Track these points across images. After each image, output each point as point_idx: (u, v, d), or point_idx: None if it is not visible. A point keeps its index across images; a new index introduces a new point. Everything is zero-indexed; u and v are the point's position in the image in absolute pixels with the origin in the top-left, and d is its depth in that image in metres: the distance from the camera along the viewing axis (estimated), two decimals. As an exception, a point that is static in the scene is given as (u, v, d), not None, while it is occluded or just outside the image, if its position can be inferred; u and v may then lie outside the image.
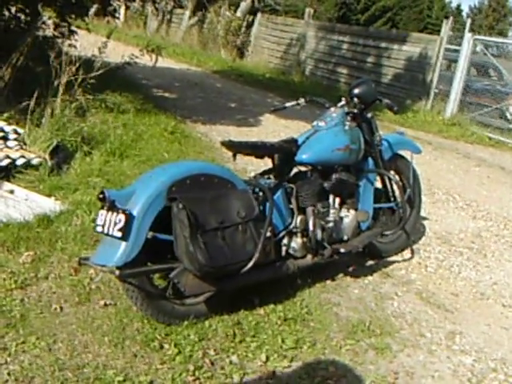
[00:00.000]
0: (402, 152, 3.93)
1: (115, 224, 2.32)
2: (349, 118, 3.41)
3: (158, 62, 6.85)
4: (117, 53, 7.08)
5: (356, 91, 3.51)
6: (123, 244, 2.35)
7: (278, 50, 15.84)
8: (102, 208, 2.40)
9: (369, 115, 3.59)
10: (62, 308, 2.70)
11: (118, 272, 2.33)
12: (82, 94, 5.09)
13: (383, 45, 12.77)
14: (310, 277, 3.27)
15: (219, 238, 2.50)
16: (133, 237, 2.34)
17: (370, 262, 3.75)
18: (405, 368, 2.65)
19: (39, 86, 4.83)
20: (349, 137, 3.31)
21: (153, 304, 2.55)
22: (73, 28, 7.86)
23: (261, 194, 2.88)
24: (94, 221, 3.55)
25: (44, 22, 6.38)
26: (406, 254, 4.01)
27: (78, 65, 5.02)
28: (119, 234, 2.32)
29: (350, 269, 3.58)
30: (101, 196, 2.35)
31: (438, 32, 11.89)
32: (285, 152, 3.01)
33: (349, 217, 3.35)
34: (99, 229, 2.40)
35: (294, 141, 3.08)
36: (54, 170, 4.25)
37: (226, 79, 12.93)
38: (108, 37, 6.72)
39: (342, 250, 3.16)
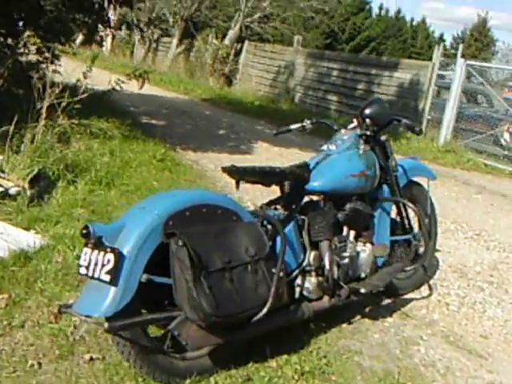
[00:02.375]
0: (416, 179, 3.60)
1: (103, 265, 1.93)
2: (361, 141, 3.08)
3: (144, 90, 6.53)
4: (103, 80, 6.75)
5: (368, 112, 3.18)
6: (112, 290, 1.95)
7: (266, 77, 15.65)
8: (86, 245, 2.01)
9: (382, 138, 3.26)
10: (39, 364, 2.27)
11: (106, 325, 1.93)
12: (65, 119, 4.71)
13: (374, 71, 12.61)
14: (324, 320, 2.88)
15: (226, 281, 2.11)
16: (124, 281, 1.95)
17: (387, 301, 3.38)
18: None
19: (20, 111, 4.45)
20: (364, 161, 2.97)
21: (148, 359, 2.13)
22: (56, 53, 7.55)
23: (269, 227, 2.51)
24: (78, 257, 3.18)
25: (26, 45, 6.03)
26: (424, 290, 3.64)
27: (60, 87, 4.67)
28: (107, 278, 1.92)
29: (367, 309, 3.21)
30: (84, 231, 1.96)
31: (424, 60, 11.79)
32: (297, 179, 2.65)
33: (365, 251, 2.99)
34: (83, 270, 2.01)
35: (307, 165, 2.71)
36: (34, 199, 3.85)
37: (214, 107, 12.65)
38: (93, 61, 6.40)
39: (363, 291, 2.78)
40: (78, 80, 5.67)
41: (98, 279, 1.94)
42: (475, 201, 6.78)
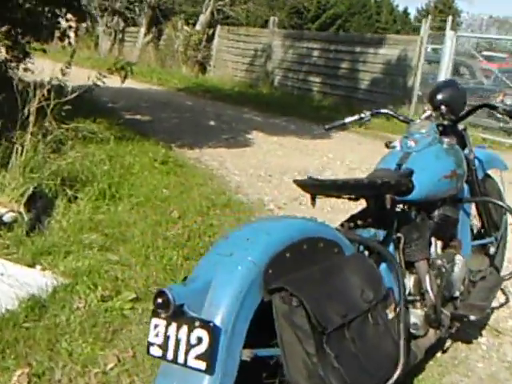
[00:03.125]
0: (490, 171, 3.08)
1: (190, 346, 1.35)
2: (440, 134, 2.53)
3: (117, 84, 5.83)
4: (76, 76, 6.02)
5: (441, 97, 2.62)
6: (207, 380, 1.37)
7: (242, 62, 15.02)
8: (157, 315, 1.42)
9: (460, 127, 2.71)
10: None
11: None
12: (54, 124, 4.06)
13: (358, 49, 12.10)
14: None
15: (349, 343, 1.54)
16: (222, 365, 1.36)
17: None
18: None
19: (2, 119, 3.78)
20: (453, 158, 2.42)
21: None
22: (27, 50, 6.83)
23: (366, 253, 1.96)
24: (102, 299, 2.59)
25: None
26: (499, 297, 3.14)
27: (47, 88, 4.01)
28: (202, 366, 1.33)
29: (453, 330, 2.69)
30: (160, 300, 1.36)
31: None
32: (400, 191, 2.08)
33: (458, 265, 2.45)
34: (156, 351, 1.41)
35: (410, 173, 2.13)
36: (35, 226, 3.21)
37: (193, 96, 11.99)
38: (71, 56, 5.71)
39: (473, 318, 2.25)
40: (57, 78, 4.97)
41: (185, 365, 1.36)
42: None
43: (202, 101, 11.33)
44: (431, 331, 2.18)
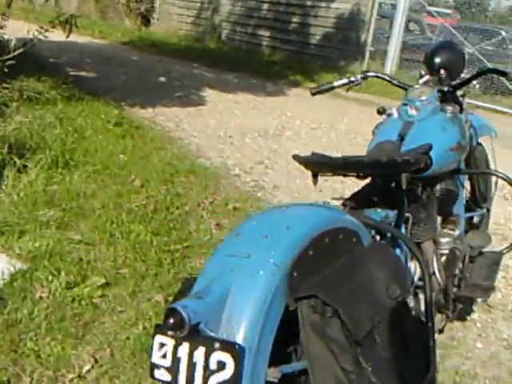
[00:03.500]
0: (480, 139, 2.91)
1: (210, 371, 1.11)
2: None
3: (57, 37, 5.34)
4: (9, 29, 5.46)
5: (440, 60, 2.38)
6: (229, 408, 1.13)
7: (188, 15, 14.37)
8: (162, 332, 1.16)
9: (459, 93, 2.51)
10: None
11: None
12: (-4, 83, 3.63)
13: (309, 3, 11.74)
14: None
15: (380, 350, 1.34)
16: (247, 390, 1.14)
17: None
18: None
19: None
20: (458, 129, 2.20)
21: None
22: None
23: (377, 237, 1.74)
24: (68, 286, 2.30)
25: None
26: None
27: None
28: (226, 395, 1.10)
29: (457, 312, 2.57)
30: (172, 321, 1.10)
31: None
32: (418, 169, 1.85)
33: (459, 243, 2.29)
34: (163, 376, 1.14)
35: (430, 148, 1.89)
36: (-18, 202, 2.85)
37: (138, 51, 11.39)
38: (8, 5, 5.19)
39: (480, 299, 2.10)
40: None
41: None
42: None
43: (149, 56, 10.77)
44: (438, 316, 2.02)
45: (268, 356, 1.18)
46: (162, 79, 8.06)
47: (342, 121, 6.64)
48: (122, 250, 2.70)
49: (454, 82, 2.37)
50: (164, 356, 1.16)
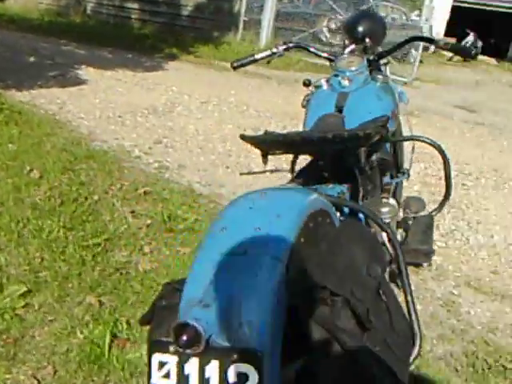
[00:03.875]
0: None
1: (226, 386, 0.98)
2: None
3: None
4: None
5: (363, 28, 2.35)
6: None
7: (47, -13, 13.42)
8: (160, 349, 1.00)
9: (382, 62, 2.50)
10: None
11: None
12: None
13: (178, -27, 11.43)
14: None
15: (377, 332, 1.29)
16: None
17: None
18: None
19: None
20: (391, 97, 2.20)
21: None
22: None
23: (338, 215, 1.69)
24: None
25: None
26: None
27: None
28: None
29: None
30: (185, 338, 0.94)
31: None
32: (375, 143, 1.79)
33: (395, 211, 2.32)
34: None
35: (387, 119, 1.83)
36: None
37: (-5, 28, 10.44)
38: None
39: (425, 264, 2.14)
40: None
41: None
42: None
43: (8, 33, 9.89)
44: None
45: (279, 357, 1.09)
46: (32, 58, 7.44)
47: (230, 93, 6.54)
48: (36, 251, 2.43)
49: (379, 50, 2.36)
50: (167, 376, 1.02)
